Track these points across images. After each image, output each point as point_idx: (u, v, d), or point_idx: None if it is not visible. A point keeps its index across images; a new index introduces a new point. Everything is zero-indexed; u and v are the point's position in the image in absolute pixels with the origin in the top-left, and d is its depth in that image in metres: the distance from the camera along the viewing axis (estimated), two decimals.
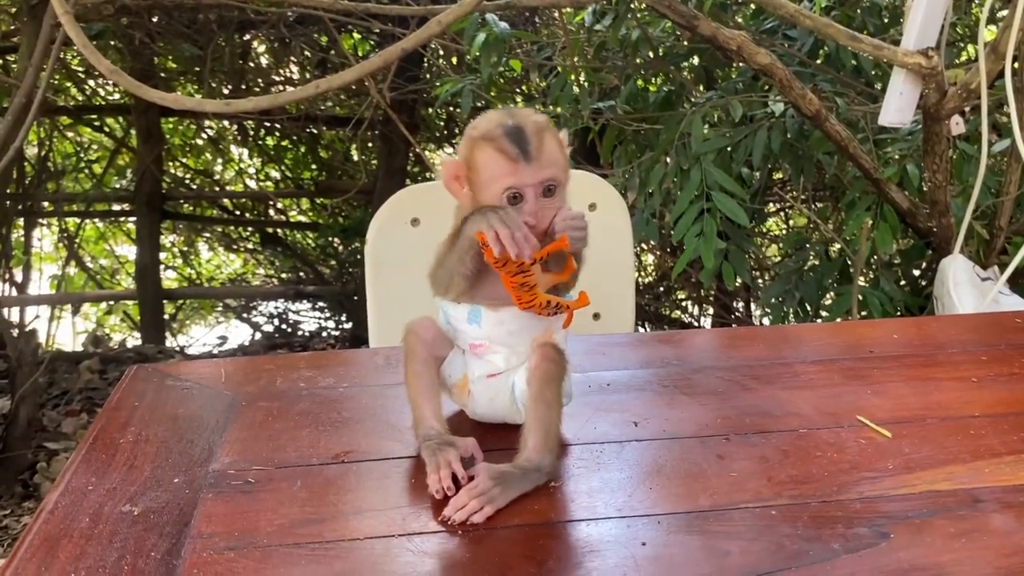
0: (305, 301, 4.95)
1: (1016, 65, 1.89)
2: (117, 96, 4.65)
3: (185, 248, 5.44)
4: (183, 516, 0.85)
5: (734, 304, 3.77)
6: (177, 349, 4.73)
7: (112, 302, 5.17)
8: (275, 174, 5.22)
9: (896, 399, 1.07)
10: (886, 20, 2.46)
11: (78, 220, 4.86)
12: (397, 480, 0.92)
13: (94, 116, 4.76)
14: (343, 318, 4.81)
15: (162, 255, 4.97)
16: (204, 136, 5.13)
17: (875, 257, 2.34)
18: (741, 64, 2.37)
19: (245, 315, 5.17)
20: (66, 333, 4.69)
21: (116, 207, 5.10)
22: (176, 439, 1.00)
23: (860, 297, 2.19)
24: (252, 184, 5.26)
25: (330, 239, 5.04)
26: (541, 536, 0.83)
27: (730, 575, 0.77)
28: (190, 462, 0.95)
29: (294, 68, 4.58)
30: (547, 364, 0.93)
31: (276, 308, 5.09)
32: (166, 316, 4.93)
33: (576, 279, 0.97)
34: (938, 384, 1.11)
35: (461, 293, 0.95)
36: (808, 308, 2.39)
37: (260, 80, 4.58)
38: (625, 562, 0.78)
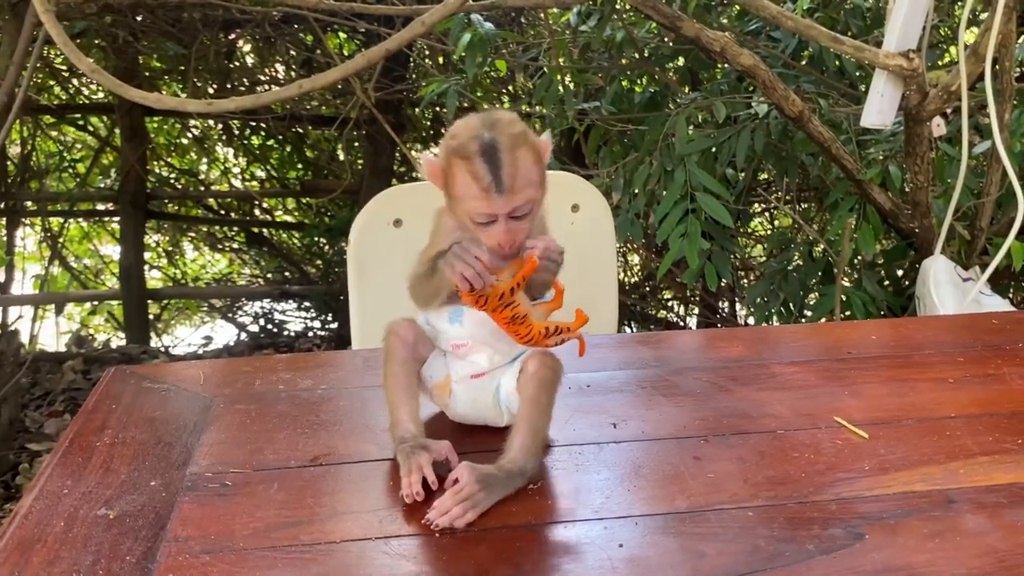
0: (291, 301, 4.92)
1: (996, 67, 1.90)
2: (101, 95, 4.62)
3: (170, 248, 5.41)
4: (159, 519, 0.85)
5: (719, 304, 3.78)
6: (162, 349, 4.70)
7: (96, 302, 5.12)
8: (260, 173, 5.19)
9: (873, 400, 1.08)
10: (869, 22, 2.47)
11: (62, 219, 4.82)
12: (374, 483, 0.92)
13: (78, 115, 4.72)
14: (329, 318, 4.79)
15: (147, 255, 4.94)
16: (189, 135, 5.10)
17: (858, 257, 2.35)
18: (725, 65, 2.37)
19: (230, 315, 5.15)
20: (49, 333, 4.66)
21: (100, 206, 5.05)
22: (153, 442, 0.99)
23: (843, 297, 2.20)
24: (237, 184, 5.23)
25: (316, 239, 5.02)
26: (518, 539, 0.83)
27: None
28: (167, 465, 0.95)
29: (279, 68, 4.56)
30: (545, 371, 0.93)
31: (262, 308, 5.07)
32: (151, 316, 4.90)
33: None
34: (914, 385, 1.12)
35: (441, 306, 0.96)
36: (792, 308, 2.40)
37: (245, 79, 4.55)
38: (602, 564, 0.78)
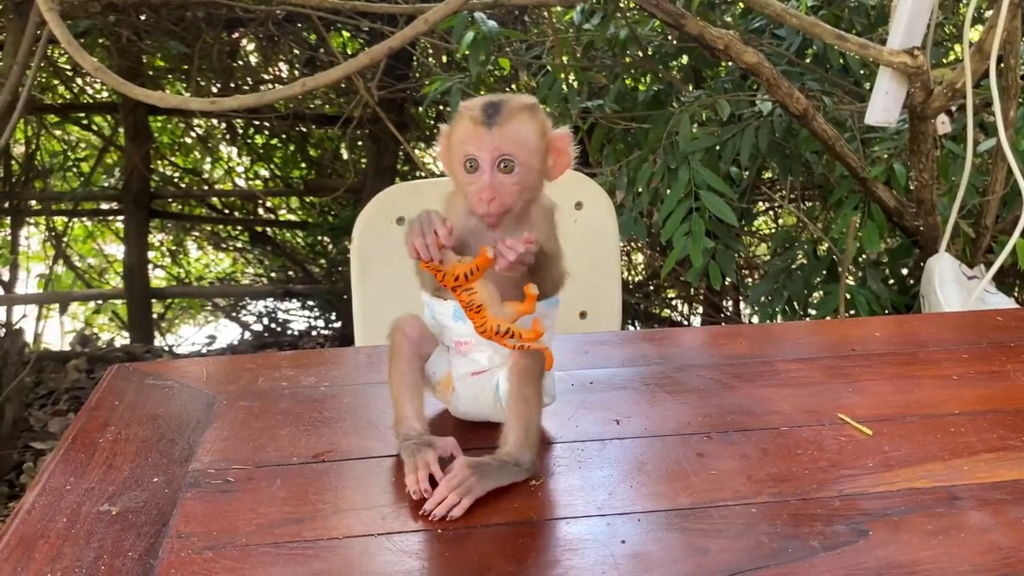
0: (294, 300, 4.93)
1: (1001, 65, 1.90)
2: (105, 94, 4.63)
3: (174, 247, 5.42)
4: (162, 516, 0.85)
5: (723, 303, 3.78)
6: (166, 348, 4.71)
7: (100, 301, 5.14)
8: (264, 172, 5.20)
9: (877, 397, 1.07)
10: (873, 19, 2.47)
11: (66, 219, 4.83)
12: (377, 479, 0.92)
13: (81, 114, 4.73)
14: (332, 317, 4.80)
15: (151, 254, 4.95)
16: (192, 134, 5.11)
17: (862, 256, 2.35)
18: (729, 63, 2.37)
19: (234, 314, 5.16)
20: (54, 332, 4.67)
21: (104, 206, 5.07)
22: (156, 438, 0.99)
23: (847, 296, 2.20)
24: (241, 183, 5.24)
25: (319, 238, 5.03)
26: (521, 535, 0.83)
27: (709, 573, 0.77)
28: (170, 461, 0.95)
29: (282, 66, 4.56)
30: (526, 360, 0.92)
31: (265, 307, 5.08)
32: (155, 315, 4.91)
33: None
34: (919, 382, 1.12)
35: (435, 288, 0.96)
36: (796, 306, 2.40)
37: (248, 78, 4.56)
38: (604, 560, 0.78)
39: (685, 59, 2.87)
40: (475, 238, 0.94)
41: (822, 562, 0.78)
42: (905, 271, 2.50)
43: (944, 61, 2.63)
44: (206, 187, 5.22)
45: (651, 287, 4.22)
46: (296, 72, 4.40)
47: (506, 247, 0.86)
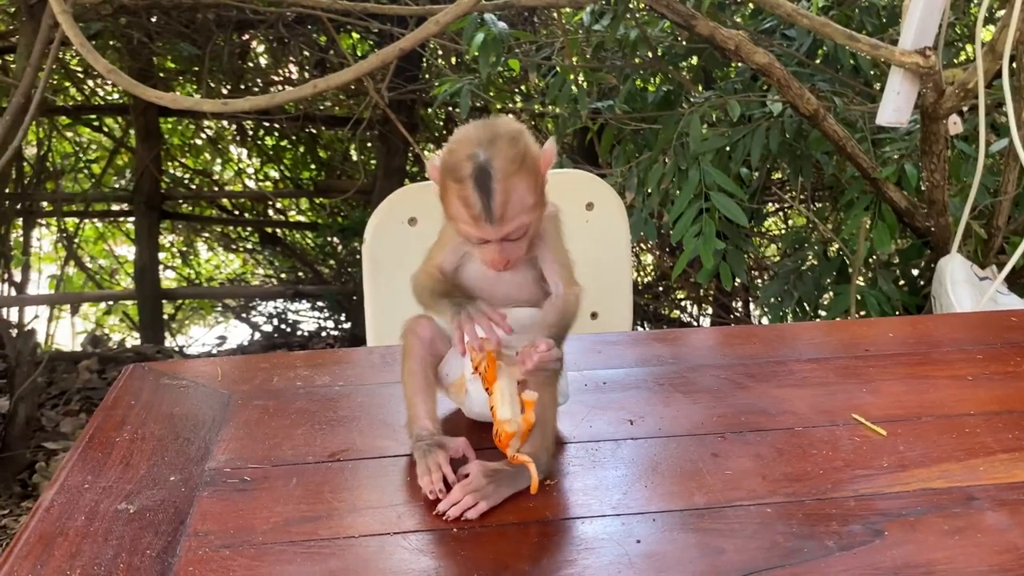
0: (304, 301, 4.94)
1: (1014, 65, 1.89)
2: (116, 96, 4.65)
3: (184, 248, 5.44)
4: (179, 514, 0.86)
5: (733, 304, 3.77)
6: (176, 349, 4.73)
7: (111, 302, 5.16)
8: (274, 174, 5.21)
9: (891, 397, 1.07)
10: (884, 20, 2.46)
11: (77, 220, 4.85)
12: (392, 478, 0.92)
13: (93, 116, 4.75)
14: (342, 318, 4.81)
15: (161, 255, 4.97)
16: (203, 136, 5.13)
17: (873, 256, 2.34)
18: (739, 64, 2.37)
19: (244, 315, 5.17)
20: (65, 333, 4.69)
21: (115, 207, 5.09)
22: (172, 437, 1.00)
23: (858, 296, 2.19)
24: (251, 184, 5.26)
25: (329, 239, 5.04)
26: (536, 534, 0.83)
27: (724, 573, 0.77)
28: (186, 460, 0.95)
29: (293, 68, 4.58)
30: None
31: (275, 308, 5.09)
32: (165, 316, 4.93)
33: None
34: (933, 382, 1.11)
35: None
36: (806, 307, 2.39)
37: (259, 80, 4.58)
38: (619, 560, 0.78)
39: (695, 60, 2.87)
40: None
41: (838, 562, 0.78)
42: (916, 272, 2.49)
43: (956, 61, 2.62)
44: (216, 188, 5.24)
45: (661, 288, 4.22)
46: (306, 74, 4.42)
47: (526, 356, 0.87)
